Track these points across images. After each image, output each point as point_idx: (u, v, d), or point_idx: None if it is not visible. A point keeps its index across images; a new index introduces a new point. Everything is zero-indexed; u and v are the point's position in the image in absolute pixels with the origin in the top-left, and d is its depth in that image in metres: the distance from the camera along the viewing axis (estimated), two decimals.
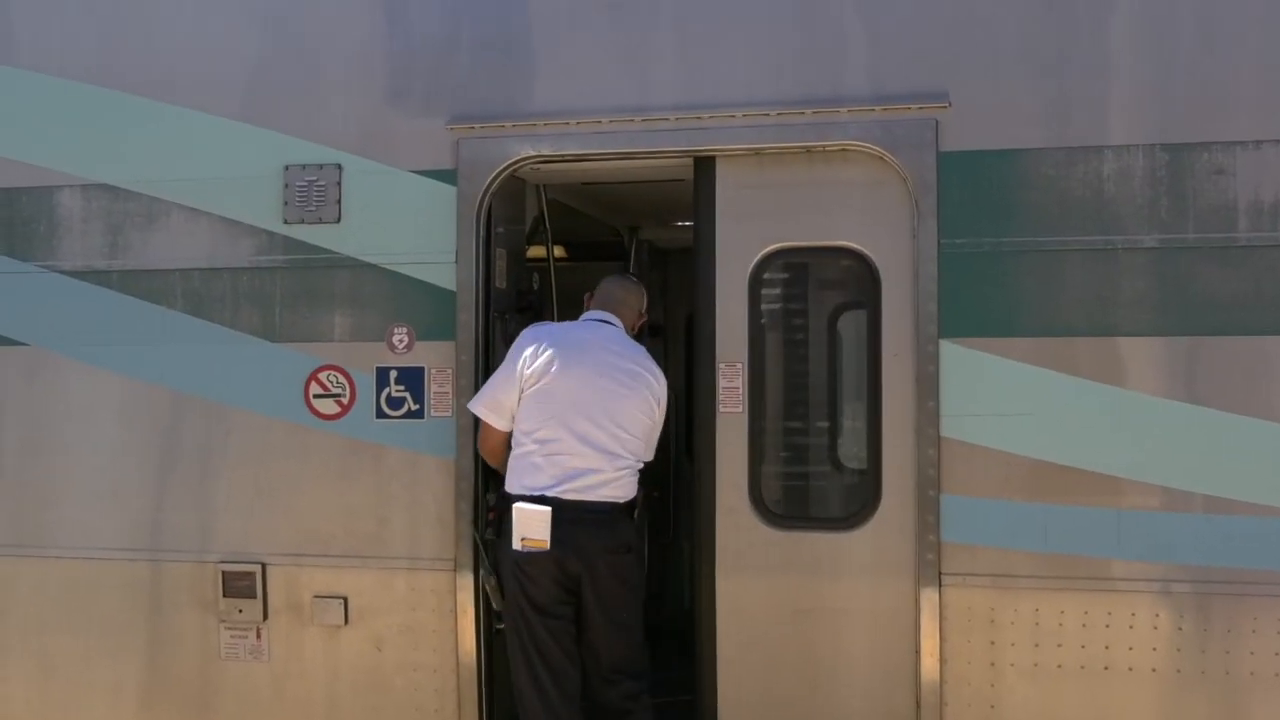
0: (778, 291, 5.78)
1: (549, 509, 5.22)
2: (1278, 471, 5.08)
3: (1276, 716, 5.08)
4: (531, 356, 5.37)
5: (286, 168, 5.92)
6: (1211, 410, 5.14)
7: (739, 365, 5.62)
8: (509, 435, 5.42)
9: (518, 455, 5.37)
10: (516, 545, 5.25)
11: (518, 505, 5.27)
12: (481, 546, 5.50)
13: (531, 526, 5.21)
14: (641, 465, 5.47)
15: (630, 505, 5.40)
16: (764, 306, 5.69)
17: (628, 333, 5.67)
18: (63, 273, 6.13)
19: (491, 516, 5.47)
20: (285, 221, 5.92)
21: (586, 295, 5.80)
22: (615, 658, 5.39)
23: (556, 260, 7.05)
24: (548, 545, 5.21)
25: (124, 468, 6.04)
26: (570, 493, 5.25)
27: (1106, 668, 5.22)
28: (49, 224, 6.15)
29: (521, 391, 5.36)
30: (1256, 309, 5.11)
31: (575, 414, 5.30)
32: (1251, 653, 5.11)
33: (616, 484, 5.34)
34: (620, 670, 5.40)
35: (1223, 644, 5.13)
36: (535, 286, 6.46)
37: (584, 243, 8.01)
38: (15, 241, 6.18)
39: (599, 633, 5.35)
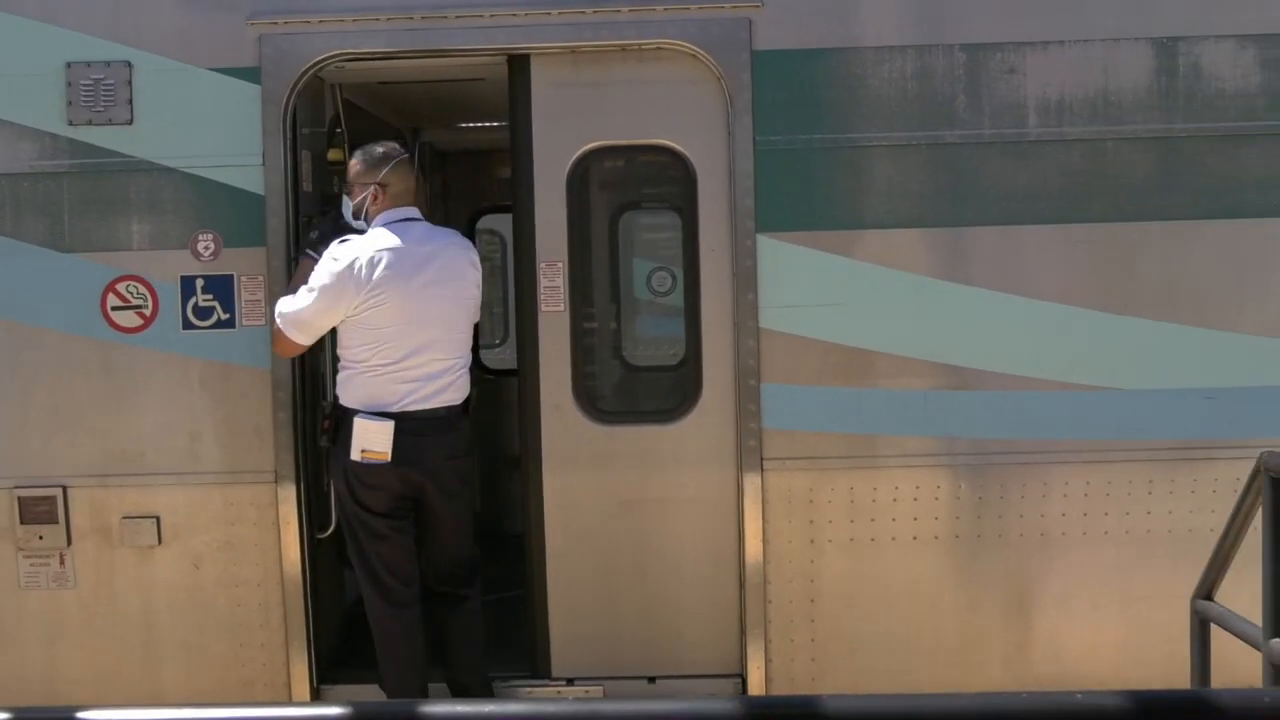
0: (596, 190, 5.83)
1: (390, 423, 5.18)
2: (1070, 351, 5.51)
3: (1063, 571, 5.59)
4: (352, 279, 5.17)
5: (69, 65, 5.53)
6: (1007, 295, 5.52)
7: (560, 264, 5.66)
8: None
9: (354, 373, 5.28)
10: (355, 456, 5.19)
11: (359, 419, 5.20)
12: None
13: (372, 439, 5.17)
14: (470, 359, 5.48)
15: (466, 404, 5.40)
16: (583, 205, 5.73)
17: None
18: None
19: (326, 425, 5.37)
20: (70, 123, 5.56)
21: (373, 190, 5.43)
22: (458, 552, 5.49)
23: (338, 163, 6.86)
24: (389, 458, 5.18)
25: None
26: (413, 404, 5.23)
27: (915, 537, 5.60)
28: None
29: (346, 317, 5.22)
30: (1047, 199, 5.50)
31: (409, 329, 5.22)
32: (1042, 515, 5.58)
33: (454, 386, 5.35)
34: (459, 563, 5.50)
35: (1018, 509, 5.58)
36: (337, 190, 6.28)
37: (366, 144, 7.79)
38: None
39: (443, 531, 5.42)
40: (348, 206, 5.47)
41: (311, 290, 5.22)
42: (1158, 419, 5.50)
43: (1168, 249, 5.52)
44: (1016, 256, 5.52)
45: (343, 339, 5.32)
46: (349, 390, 5.29)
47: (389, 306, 5.20)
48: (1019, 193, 5.50)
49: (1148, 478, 5.52)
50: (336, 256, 5.24)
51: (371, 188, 5.40)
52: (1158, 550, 5.53)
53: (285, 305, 5.29)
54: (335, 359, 5.57)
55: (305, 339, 5.32)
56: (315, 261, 5.38)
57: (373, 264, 5.20)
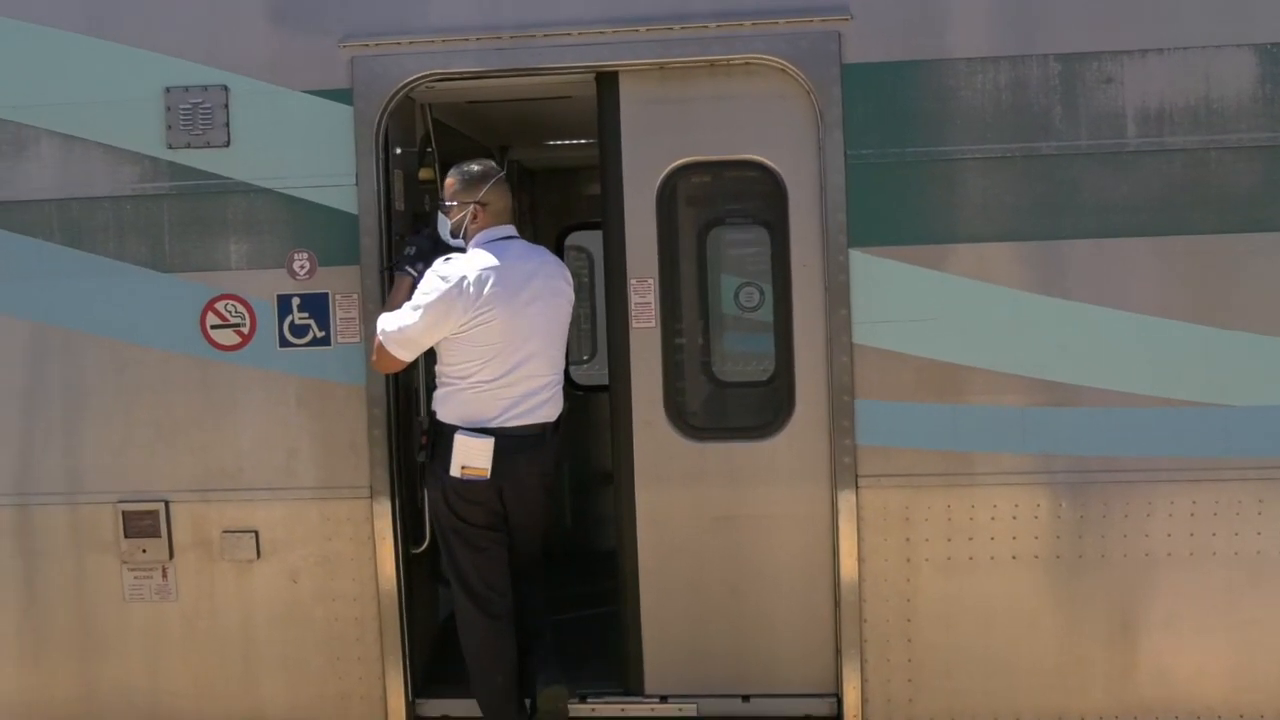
0: (685, 206, 5.81)
1: (491, 440, 5.21)
2: (1173, 366, 5.38)
3: (1169, 593, 5.44)
4: (460, 297, 5.20)
5: (168, 90, 5.65)
6: (1107, 309, 5.39)
7: (650, 281, 5.65)
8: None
9: (455, 390, 5.31)
10: (455, 472, 5.23)
11: (460, 435, 5.23)
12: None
13: (473, 456, 5.21)
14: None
15: (558, 422, 5.43)
16: (672, 221, 5.71)
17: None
18: None
19: (424, 441, 5.41)
20: (169, 146, 5.67)
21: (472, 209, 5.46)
22: (532, 560, 5.56)
23: (429, 182, 6.93)
24: (488, 474, 5.22)
25: (8, 410, 5.75)
26: (512, 420, 5.26)
27: (1014, 557, 5.49)
28: None
29: (450, 334, 5.25)
30: (1148, 211, 5.37)
31: (512, 348, 5.26)
32: (1146, 535, 5.44)
33: (551, 402, 5.38)
34: (533, 570, 5.58)
35: (1120, 529, 5.45)
36: (428, 208, 6.34)
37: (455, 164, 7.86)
38: None
39: (520, 540, 5.49)
40: (444, 224, 5.50)
41: (417, 308, 5.25)
42: (1267, 436, 5.34)
43: (1275, 260, 5.35)
44: (1116, 269, 5.39)
45: (445, 356, 5.34)
46: (448, 406, 5.32)
47: (496, 324, 5.22)
48: (1118, 204, 5.38)
49: (1257, 497, 5.36)
50: (444, 275, 5.26)
51: (471, 206, 5.42)
52: (1269, 572, 5.37)
53: (388, 322, 5.31)
54: (430, 375, 5.61)
55: (408, 355, 5.34)
56: (413, 278, 5.42)
57: (481, 282, 5.23)
